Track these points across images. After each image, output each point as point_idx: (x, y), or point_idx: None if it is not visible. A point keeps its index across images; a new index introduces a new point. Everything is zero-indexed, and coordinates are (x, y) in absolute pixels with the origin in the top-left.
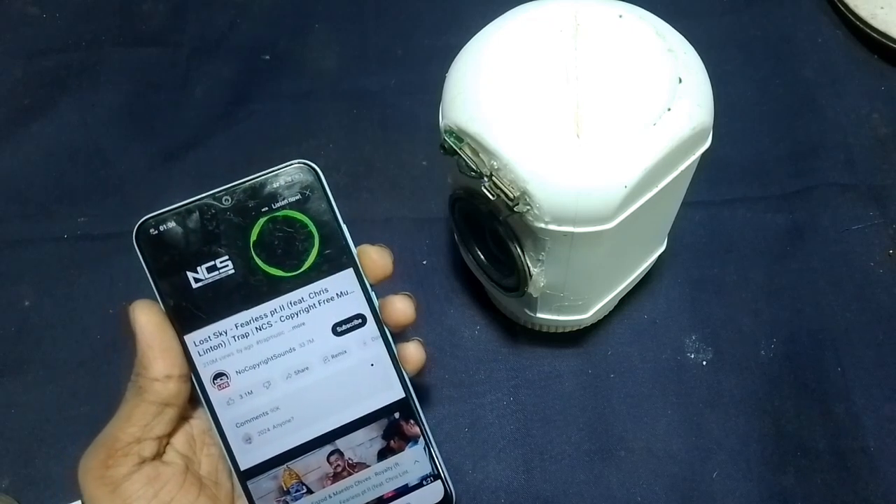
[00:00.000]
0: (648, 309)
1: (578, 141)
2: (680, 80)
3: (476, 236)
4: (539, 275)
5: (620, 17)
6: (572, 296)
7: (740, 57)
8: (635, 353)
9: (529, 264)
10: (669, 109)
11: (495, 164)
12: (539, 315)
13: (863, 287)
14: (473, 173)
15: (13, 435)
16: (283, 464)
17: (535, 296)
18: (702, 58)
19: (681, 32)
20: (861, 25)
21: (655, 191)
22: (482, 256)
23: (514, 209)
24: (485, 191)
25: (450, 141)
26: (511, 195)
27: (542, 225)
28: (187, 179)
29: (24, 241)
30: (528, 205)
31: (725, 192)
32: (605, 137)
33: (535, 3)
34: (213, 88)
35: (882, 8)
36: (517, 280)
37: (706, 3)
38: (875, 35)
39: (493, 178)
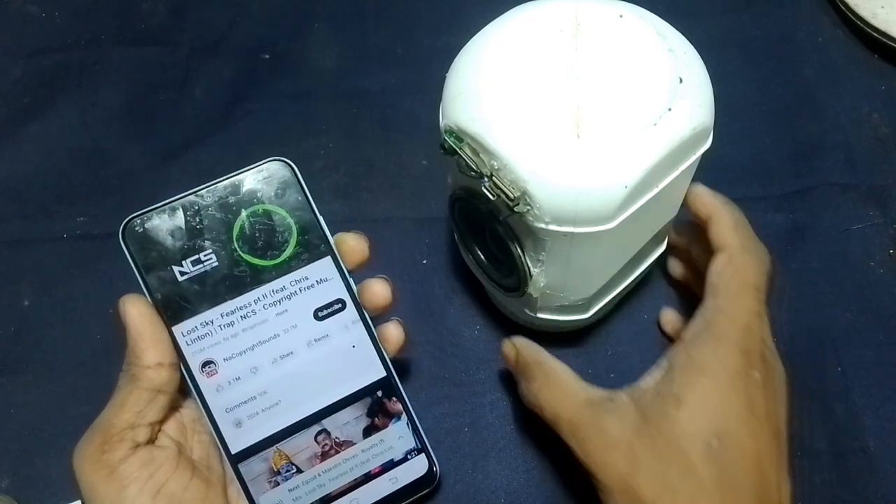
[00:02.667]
0: (648, 309)
1: (579, 141)
2: (680, 80)
3: (476, 236)
4: (539, 275)
5: (621, 16)
6: (572, 296)
7: (740, 57)
8: (635, 353)
9: (529, 264)
10: (670, 109)
11: (495, 164)
12: (539, 315)
13: (863, 287)
14: (473, 173)
15: (13, 435)
16: (272, 445)
17: (535, 296)
18: (702, 58)
19: (681, 32)
20: (861, 25)
21: (656, 191)
22: (482, 256)
23: (514, 209)
24: (485, 191)
25: (450, 141)
26: (511, 195)
27: (542, 225)
28: (187, 179)
29: (24, 241)
30: (529, 205)
31: (725, 192)
32: (606, 137)
33: (534, 3)
34: (212, 88)
35: (882, 7)
36: (517, 280)
37: (706, 3)
38: (875, 34)
39: (494, 178)
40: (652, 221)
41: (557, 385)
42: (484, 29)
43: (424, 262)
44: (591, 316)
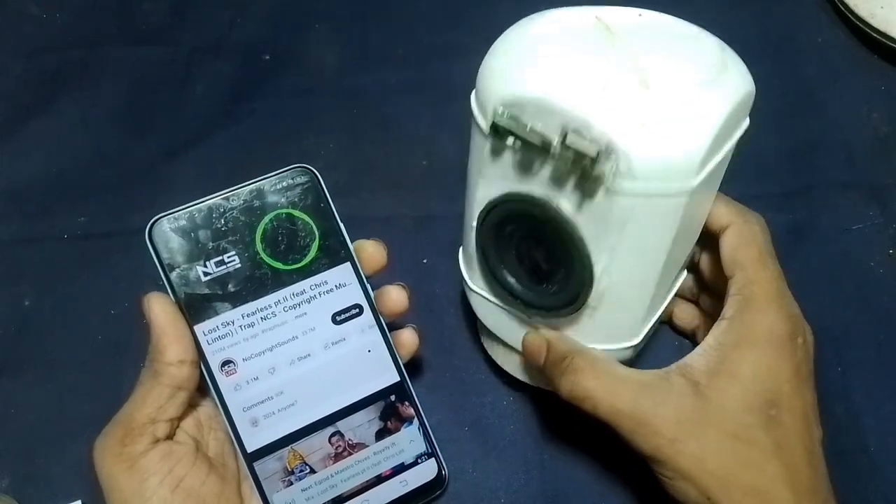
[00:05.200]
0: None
1: (650, 91)
2: (722, 49)
3: (507, 259)
4: (602, 273)
5: (640, 15)
6: (631, 301)
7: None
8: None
9: (593, 256)
10: (727, 67)
11: (569, 123)
12: (588, 345)
13: (863, 287)
14: (542, 143)
15: (13, 435)
16: (287, 445)
17: (592, 305)
18: None
19: None
20: (861, 25)
21: (721, 154)
22: (513, 281)
23: (595, 170)
24: (554, 161)
25: (504, 121)
26: (592, 153)
27: (629, 183)
28: (188, 178)
29: (24, 240)
30: (613, 161)
31: (726, 191)
32: (677, 87)
33: (551, 10)
34: (213, 87)
35: (882, 7)
36: (576, 287)
37: (706, 2)
38: (874, 34)
39: (568, 137)
40: (704, 207)
41: (608, 373)
42: (510, 28)
43: (424, 261)
44: (640, 342)
